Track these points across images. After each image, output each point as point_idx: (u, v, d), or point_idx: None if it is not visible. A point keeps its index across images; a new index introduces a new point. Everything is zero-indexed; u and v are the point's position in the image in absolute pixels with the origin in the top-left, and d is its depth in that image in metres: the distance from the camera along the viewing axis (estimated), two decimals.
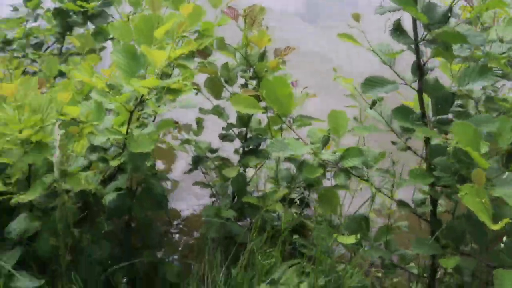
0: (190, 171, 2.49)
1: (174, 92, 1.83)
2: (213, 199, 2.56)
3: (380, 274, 2.14)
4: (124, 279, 2.12)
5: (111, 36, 2.66)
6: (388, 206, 2.19)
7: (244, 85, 2.20)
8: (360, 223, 1.91)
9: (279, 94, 1.95)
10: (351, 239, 1.82)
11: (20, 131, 1.64)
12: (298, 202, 2.45)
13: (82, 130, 1.85)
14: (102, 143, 2.04)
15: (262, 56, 2.15)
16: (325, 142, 2.04)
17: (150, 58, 1.76)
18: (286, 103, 1.98)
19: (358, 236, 1.85)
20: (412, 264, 2.10)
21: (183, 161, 3.16)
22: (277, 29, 4.62)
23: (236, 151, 2.43)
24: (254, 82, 2.18)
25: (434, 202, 1.89)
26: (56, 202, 1.91)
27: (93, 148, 2.05)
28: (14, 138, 1.70)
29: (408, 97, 1.95)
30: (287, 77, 2.11)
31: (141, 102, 1.87)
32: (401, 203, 1.91)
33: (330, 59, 4.42)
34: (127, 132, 1.92)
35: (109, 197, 2.06)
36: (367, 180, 1.91)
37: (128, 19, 2.40)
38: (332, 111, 2.01)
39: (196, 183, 2.53)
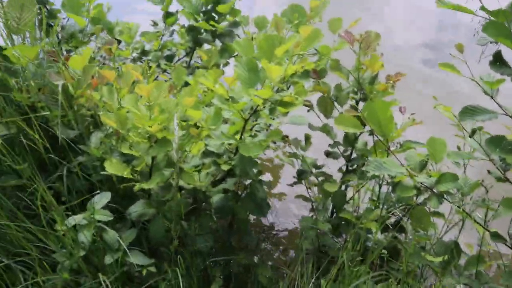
0: (294, 183, 2.62)
1: (286, 104, 1.98)
2: (312, 213, 2.66)
3: None
4: (220, 274, 2.29)
5: (235, 54, 2.91)
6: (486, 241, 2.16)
7: (354, 107, 2.30)
8: (449, 248, 1.91)
9: (380, 116, 2.02)
10: (439, 259, 1.83)
11: (150, 126, 1.88)
12: (392, 226, 2.49)
13: (200, 132, 2.05)
14: (216, 148, 2.25)
15: (373, 80, 2.24)
16: (422, 166, 2.09)
17: (268, 72, 1.94)
18: (386, 125, 2.04)
19: (446, 257, 1.86)
20: None
21: (286, 178, 3.31)
22: (400, 58, 4.69)
23: (340, 170, 2.52)
24: (362, 104, 2.27)
25: None
26: (170, 194, 2.14)
27: (207, 153, 2.27)
28: (143, 132, 1.95)
29: None
30: (394, 103, 2.18)
31: (255, 112, 2.04)
32: (495, 235, 1.89)
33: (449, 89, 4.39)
34: (240, 138, 2.11)
35: (216, 197, 2.27)
36: (459, 207, 1.92)
37: (252, 38, 2.62)
38: (431, 137, 2.06)
39: (298, 196, 2.65)
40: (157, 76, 2.86)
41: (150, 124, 1.90)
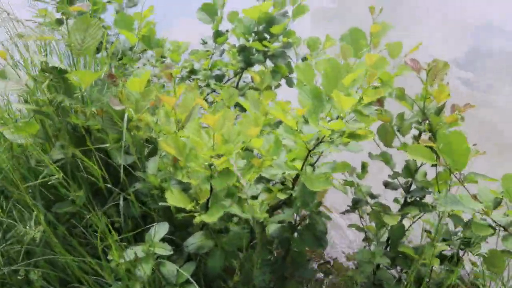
0: (347, 211, 2.52)
1: (357, 137, 1.90)
2: (365, 243, 2.56)
3: None
4: None
5: (286, 75, 2.84)
6: None
7: (417, 137, 2.21)
8: None
9: (455, 149, 1.94)
10: None
11: (212, 157, 1.80)
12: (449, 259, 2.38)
13: (263, 162, 1.97)
14: (271, 176, 2.17)
15: (440, 110, 2.15)
16: (497, 203, 2.00)
17: (338, 103, 1.85)
18: (461, 159, 1.96)
19: None
20: None
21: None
22: None
23: (396, 200, 2.43)
24: (427, 135, 2.18)
25: None
26: (228, 225, 2.07)
27: (259, 178, 2.20)
28: (204, 162, 1.87)
29: None
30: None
31: (321, 142, 1.96)
32: None
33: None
34: (301, 168, 2.02)
35: (272, 227, 2.19)
36: None
37: (304, 59, 2.55)
38: (507, 174, 1.96)
39: (351, 226, 2.56)
40: (207, 95, 2.80)
41: (214, 155, 1.83)
